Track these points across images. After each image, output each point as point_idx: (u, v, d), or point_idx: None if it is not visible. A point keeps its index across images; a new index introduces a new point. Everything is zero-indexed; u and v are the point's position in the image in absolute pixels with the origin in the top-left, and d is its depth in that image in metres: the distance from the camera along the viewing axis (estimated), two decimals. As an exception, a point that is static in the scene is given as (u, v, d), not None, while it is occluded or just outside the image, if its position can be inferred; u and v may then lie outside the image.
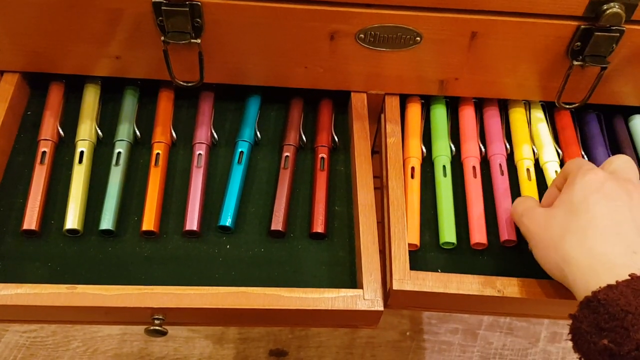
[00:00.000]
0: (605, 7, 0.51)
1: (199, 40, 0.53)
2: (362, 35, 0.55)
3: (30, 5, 0.52)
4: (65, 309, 0.47)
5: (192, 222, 0.54)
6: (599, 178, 0.46)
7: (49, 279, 0.51)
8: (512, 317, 0.90)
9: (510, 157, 0.61)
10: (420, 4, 0.52)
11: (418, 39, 0.55)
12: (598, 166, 0.60)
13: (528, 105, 0.65)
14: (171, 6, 0.51)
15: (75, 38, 0.55)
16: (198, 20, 0.52)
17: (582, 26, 0.53)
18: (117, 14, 0.52)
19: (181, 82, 0.58)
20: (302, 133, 0.61)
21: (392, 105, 0.61)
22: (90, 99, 0.60)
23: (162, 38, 0.53)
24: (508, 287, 0.49)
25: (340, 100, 0.64)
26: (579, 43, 0.54)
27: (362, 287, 0.49)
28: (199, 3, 0.51)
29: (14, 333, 0.88)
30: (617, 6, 0.51)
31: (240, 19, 0.53)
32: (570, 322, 0.42)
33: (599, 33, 0.53)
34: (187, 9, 0.51)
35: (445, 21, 0.53)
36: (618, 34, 0.53)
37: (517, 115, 0.63)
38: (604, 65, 0.55)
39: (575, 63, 0.55)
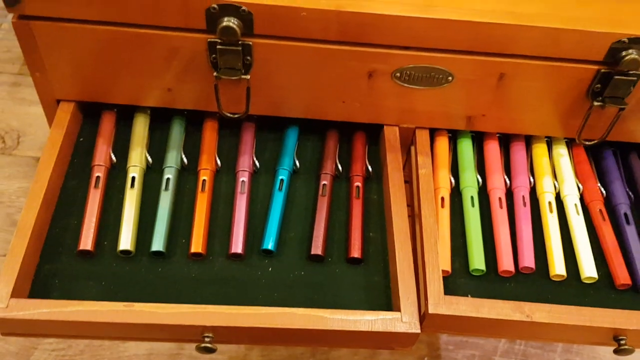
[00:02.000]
0: (624, 53, 0.55)
1: (248, 77, 0.58)
2: (398, 74, 0.59)
3: (92, 41, 0.56)
4: (122, 325, 0.50)
5: (237, 245, 0.57)
6: None
7: (102, 297, 0.54)
8: (526, 345, 0.93)
9: (534, 190, 0.65)
10: (453, 47, 0.56)
11: (450, 78, 0.59)
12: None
13: (551, 140, 0.69)
14: (225, 45, 0.55)
15: (132, 72, 0.59)
16: (248, 58, 0.57)
17: (602, 70, 0.57)
18: (174, 51, 0.57)
19: (228, 114, 0.62)
20: (338, 163, 0.65)
21: (422, 138, 0.65)
22: (140, 127, 0.64)
23: (215, 74, 0.57)
24: (536, 312, 0.53)
25: (373, 132, 0.68)
26: (599, 85, 0.58)
27: (399, 310, 0.52)
28: (250, 43, 0.55)
29: (42, 351, 0.91)
30: (635, 53, 0.55)
31: (286, 57, 0.57)
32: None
33: (618, 77, 0.57)
34: (240, 48, 0.55)
35: (476, 63, 0.58)
36: (636, 78, 0.57)
37: (540, 150, 0.67)
38: (622, 106, 0.59)
39: (596, 103, 0.59)
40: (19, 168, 1.01)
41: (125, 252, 0.57)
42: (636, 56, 0.55)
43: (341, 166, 0.65)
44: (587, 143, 0.64)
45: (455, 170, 0.66)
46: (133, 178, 0.60)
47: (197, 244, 0.57)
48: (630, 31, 0.55)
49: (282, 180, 0.62)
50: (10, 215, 0.96)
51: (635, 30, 0.55)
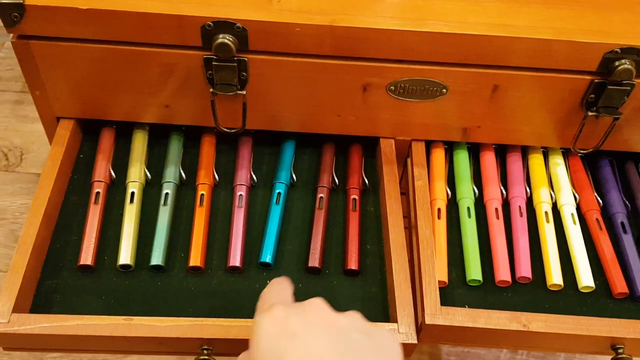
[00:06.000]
0: (617, 63, 0.56)
1: (244, 92, 0.58)
2: (392, 87, 0.60)
3: (90, 59, 0.57)
4: (122, 339, 0.51)
5: (235, 259, 0.58)
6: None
7: (103, 311, 0.55)
8: (528, 355, 0.92)
9: (530, 200, 0.65)
10: (446, 59, 0.57)
11: (444, 90, 0.60)
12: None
13: (547, 150, 0.69)
14: (221, 61, 0.56)
15: (130, 89, 0.60)
16: (244, 73, 0.57)
17: (596, 80, 0.57)
18: (170, 68, 0.58)
19: (224, 129, 0.62)
20: (334, 176, 0.66)
21: (418, 150, 0.65)
22: (139, 143, 0.65)
23: (211, 90, 0.58)
24: (532, 322, 0.53)
25: (369, 145, 0.69)
26: (593, 95, 0.59)
27: (396, 322, 0.52)
28: (246, 59, 0.56)
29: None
30: (627, 63, 0.55)
31: (281, 72, 0.58)
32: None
33: (612, 87, 0.57)
34: (235, 64, 0.56)
35: (470, 75, 0.58)
36: (629, 88, 0.57)
37: (536, 161, 0.68)
38: (617, 116, 0.60)
39: (590, 113, 0.60)
40: (22, 185, 1.02)
41: (125, 267, 0.57)
42: (629, 66, 0.56)
43: (338, 179, 0.66)
44: (581, 152, 0.65)
45: (451, 181, 0.67)
46: (132, 193, 0.61)
47: (195, 258, 0.58)
48: (623, 41, 0.55)
49: (279, 193, 0.63)
50: (14, 232, 0.97)
51: (627, 40, 0.55)
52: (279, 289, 0.43)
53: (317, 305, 0.38)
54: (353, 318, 0.38)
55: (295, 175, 0.66)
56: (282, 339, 0.35)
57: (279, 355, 0.34)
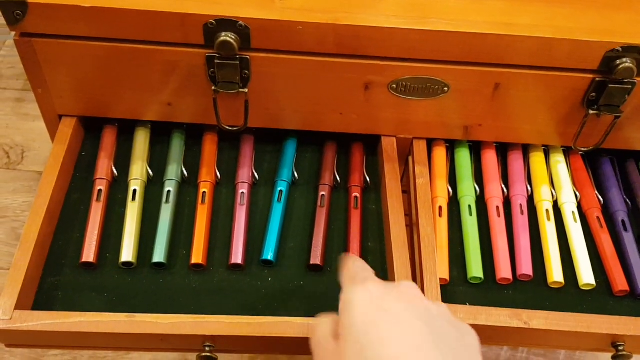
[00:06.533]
0: (618, 62, 0.56)
1: (246, 90, 0.59)
2: (394, 86, 0.60)
3: (93, 57, 0.57)
4: (124, 336, 0.51)
5: (237, 256, 0.58)
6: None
7: (105, 308, 0.55)
8: (529, 353, 0.93)
9: (531, 198, 0.66)
10: (448, 58, 0.57)
11: (446, 89, 0.60)
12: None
13: (548, 149, 0.69)
14: (223, 59, 0.56)
15: (132, 87, 0.60)
16: (246, 71, 0.58)
17: (597, 79, 0.58)
18: (173, 66, 0.58)
19: (227, 127, 0.62)
20: (336, 174, 0.66)
21: (420, 148, 0.66)
22: (141, 141, 0.65)
23: (213, 88, 0.58)
24: (533, 319, 0.53)
25: (371, 143, 0.69)
26: (594, 94, 0.59)
27: (397, 318, 0.52)
28: (248, 57, 0.56)
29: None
30: (629, 61, 0.56)
31: (283, 70, 0.58)
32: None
33: (613, 85, 0.57)
34: (237, 62, 0.56)
35: (471, 73, 0.58)
36: (630, 86, 0.58)
37: (537, 159, 0.68)
38: (618, 114, 0.60)
39: (591, 112, 0.60)
40: (23, 183, 1.02)
41: (127, 264, 0.57)
42: (630, 64, 0.56)
43: (339, 177, 0.66)
44: (582, 150, 0.65)
45: (452, 179, 0.67)
46: (134, 191, 0.61)
47: (197, 255, 0.58)
48: (624, 40, 0.55)
49: (281, 191, 0.63)
50: (15, 230, 0.97)
51: (629, 38, 0.55)
52: (364, 265, 0.43)
53: (411, 288, 0.39)
54: (443, 308, 0.39)
55: (297, 173, 0.66)
56: (378, 315, 0.36)
57: (375, 329, 0.35)
